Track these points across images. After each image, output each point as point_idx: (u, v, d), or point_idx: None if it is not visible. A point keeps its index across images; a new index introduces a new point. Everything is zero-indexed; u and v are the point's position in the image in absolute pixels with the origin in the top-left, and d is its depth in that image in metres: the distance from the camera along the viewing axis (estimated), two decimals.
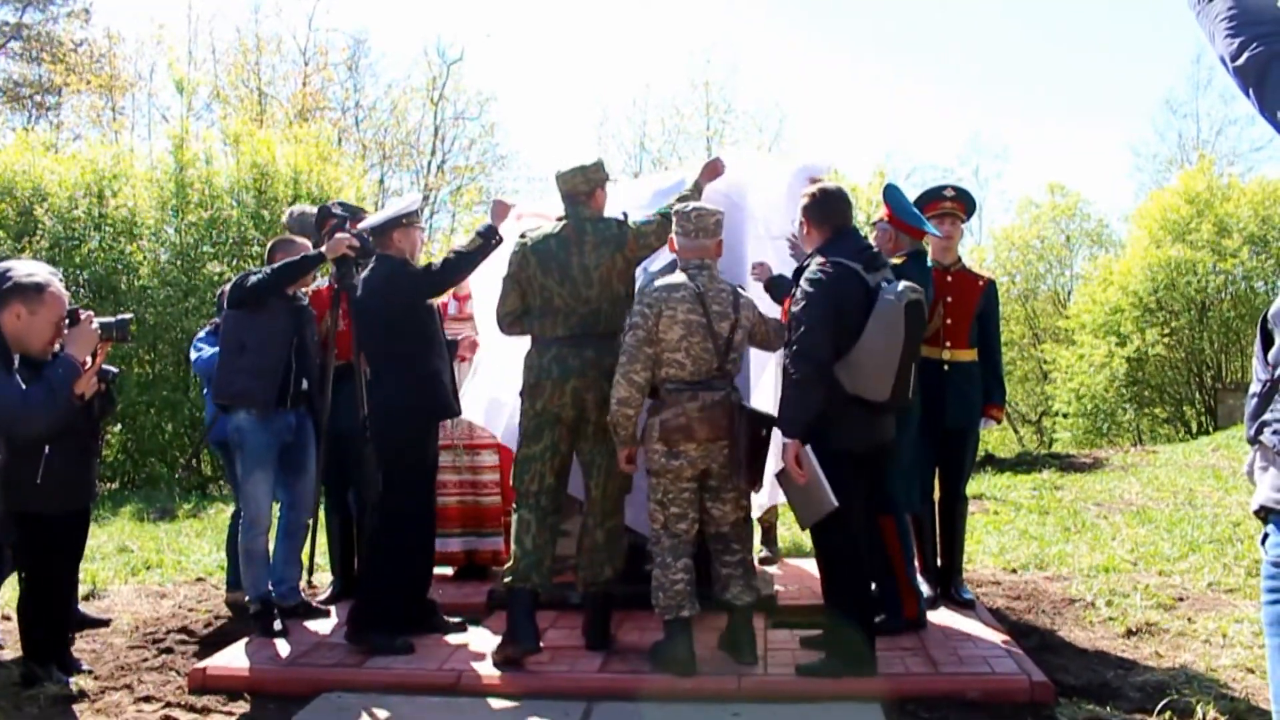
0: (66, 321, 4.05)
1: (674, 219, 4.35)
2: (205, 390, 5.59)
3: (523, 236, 4.56)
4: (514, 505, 4.55)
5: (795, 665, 4.22)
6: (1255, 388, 1.93)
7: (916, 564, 4.95)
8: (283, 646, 4.68)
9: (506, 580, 4.39)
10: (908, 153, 41.18)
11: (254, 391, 4.85)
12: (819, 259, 4.07)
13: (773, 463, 4.43)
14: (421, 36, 53.24)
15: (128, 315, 4.63)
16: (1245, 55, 1.90)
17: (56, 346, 4.04)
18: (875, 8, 44.60)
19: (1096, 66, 45.88)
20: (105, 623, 5.45)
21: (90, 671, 4.49)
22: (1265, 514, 1.93)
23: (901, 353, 3.95)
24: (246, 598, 5.01)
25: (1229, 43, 1.93)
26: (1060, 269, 27.98)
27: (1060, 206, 27.46)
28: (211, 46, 26.35)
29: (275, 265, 4.99)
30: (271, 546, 5.20)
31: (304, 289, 5.25)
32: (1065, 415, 20.96)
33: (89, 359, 4.04)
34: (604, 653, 4.46)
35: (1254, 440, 1.93)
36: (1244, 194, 19.69)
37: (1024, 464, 12.45)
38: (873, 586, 4.42)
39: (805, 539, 7.56)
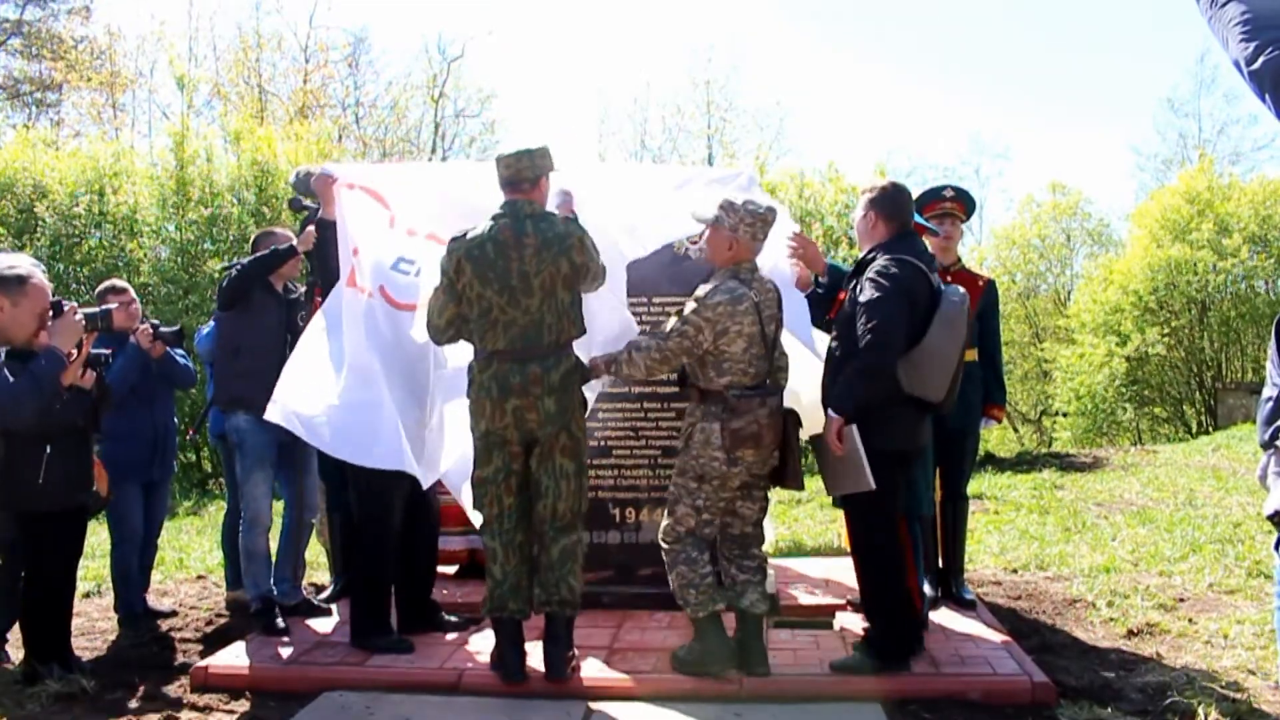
0: (51, 313, 4.05)
1: (744, 222, 4.07)
2: (208, 369, 5.54)
3: (454, 240, 4.14)
4: (480, 530, 4.37)
5: (829, 663, 4.23)
6: (1270, 392, 1.93)
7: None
8: (284, 645, 4.68)
9: (486, 613, 4.23)
10: (908, 151, 41.27)
11: (252, 394, 4.81)
12: (887, 255, 4.07)
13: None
14: (422, 33, 53.25)
15: (111, 305, 4.65)
16: (1261, 60, 1.90)
17: (43, 338, 4.05)
18: (877, 6, 44.61)
19: (1098, 66, 45.96)
20: (173, 613, 5.55)
21: (92, 670, 4.49)
22: (1279, 519, 1.93)
23: (959, 355, 4.10)
24: (248, 596, 5.01)
25: (1244, 47, 1.92)
26: (1061, 268, 28.03)
27: (1061, 205, 27.48)
28: (212, 43, 26.54)
29: (247, 260, 5.00)
30: (274, 545, 5.21)
31: (291, 279, 5.23)
32: (1065, 414, 20.98)
33: (74, 350, 4.04)
34: (605, 651, 4.45)
35: (1268, 445, 1.93)
36: (1244, 193, 19.72)
37: (1024, 463, 12.45)
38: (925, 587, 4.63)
39: (805, 538, 7.57)
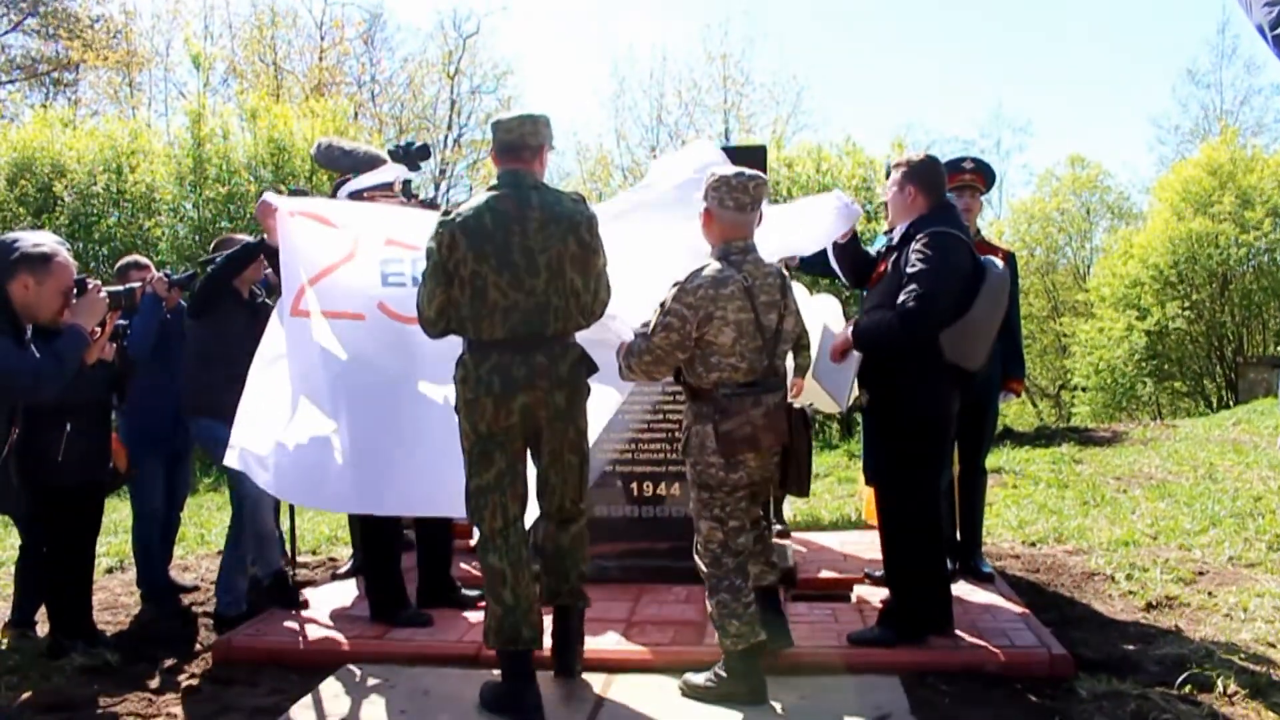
0: (75, 291, 4.07)
1: (713, 189, 3.69)
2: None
3: (447, 214, 3.65)
4: (476, 547, 3.86)
5: (847, 635, 4.24)
6: None
7: None
8: (305, 619, 4.72)
9: (492, 644, 3.70)
10: (927, 125, 40.96)
11: (224, 403, 4.69)
12: (933, 228, 4.03)
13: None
14: (438, 9, 53.11)
15: (135, 284, 4.66)
16: None
17: (66, 316, 4.08)
18: None
19: (1119, 37, 45.37)
20: (195, 588, 5.65)
21: (115, 644, 4.54)
22: None
23: (998, 326, 4.17)
24: (260, 575, 5.04)
25: (1267, 11, 1.90)
26: (1080, 242, 27.85)
27: (1081, 179, 27.30)
28: (228, 21, 26.49)
29: (216, 261, 4.91)
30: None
31: (255, 282, 5.15)
32: (1084, 389, 20.89)
33: (97, 328, 4.07)
34: (624, 624, 4.47)
35: None
36: (1267, 165, 19.51)
37: (1043, 438, 12.40)
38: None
39: (823, 512, 7.57)
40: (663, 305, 3.64)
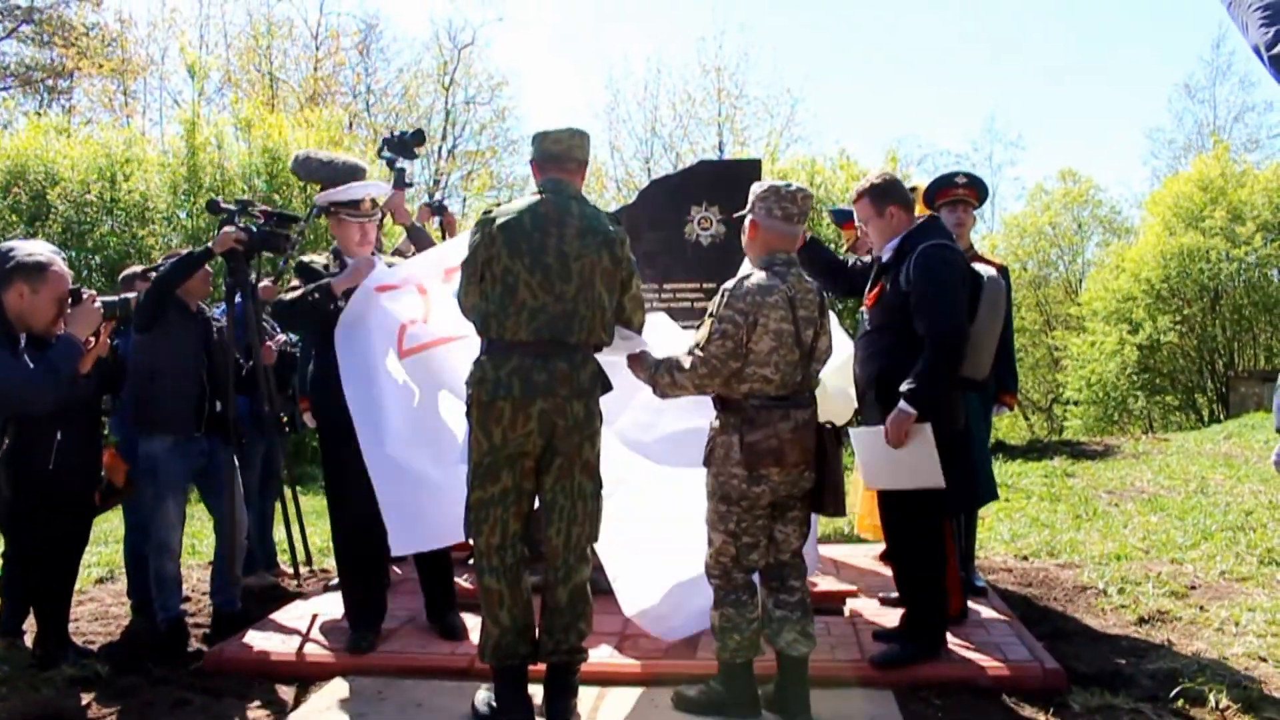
0: (70, 300, 4.07)
1: (761, 199, 3.68)
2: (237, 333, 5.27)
3: (488, 212, 3.67)
4: (472, 562, 3.78)
5: (869, 657, 4.17)
6: None
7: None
8: (297, 630, 4.70)
9: (488, 661, 3.66)
10: (920, 139, 41.00)
11: (171, 418, 4.73)
12: (928, 242, 4.01)
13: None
14: (433, 20, 53.23)
15: (131, 294, 4.65)
16: None
17: (61, 325, 4.07)
18: None
19: (1114, 52, 45.64)
20: (186, 599, 5.45)
21: (104, 655, 4.51)
22: None
23: (999, 335, 4.18)
24: (158, 619, 4.84)
25: (1264, 32, 1.91)
26: (1072, 256, 27.91)
27: (1072, 193, 27.39)
28: (223, 30, 26.56)
29: (160, 270, 4.83)
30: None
31: (204, 297, 5.07)
32: (1076, 403, 20.90)
33: (92, 338, 4.06)
34: (616, 637, 4.46)
35: None
36: (1258, 180, 19.58)
37: (1035, 451, 12.44)
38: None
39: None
40: (713, 314, 3.60)
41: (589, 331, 3.60)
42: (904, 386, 3.90)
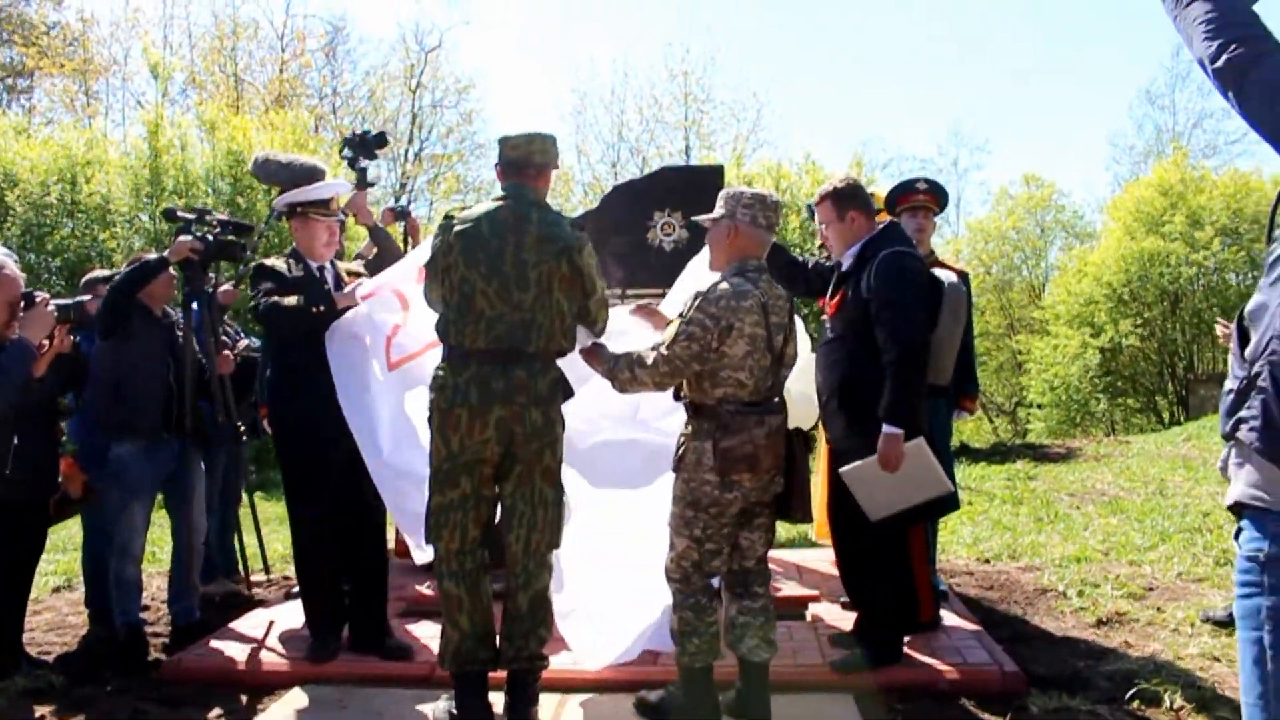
0: (23, 304, 4.02)
1: (746, 206, 3.64)
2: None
3: (449, 216, 3.68)
4: (434, 568, 3.78)
5: (829, 662, 4.19)
6: (1231, 384, 1.95)
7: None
8: (256, 638, 4.66)
9: (448, 667, 3.68)
10: (885, 143, 41.41)
11: (137, 422, 4.70)
12: (889, 249, 4.01)
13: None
14: (400, 23, 53.00)
15: (84, 297, 4.60)
16: (1224, 57, 1.91)
17: (14, 329, 4.02)
18: None
19: (1078, 58, 46.19)
20: (145, 607, 5.39)
21: (60, 665, 4.46)
22: (1240, 510, 1.96)
23: (960, 339, 4.19)
24: (117, 623, 4.78)
25: (1207, 45, 1.93)
26: (1035, 260, 28.23)
27: (1036, 198, 27.72)
28: (188, 31, 26.32)
29: (117, 277, 4.77)
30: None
31: (168, 300, 5.02)
32: (1040, 406, 21.14)
33: (45, 341, 4.01)
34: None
35: (1230, 436, 1.95)
36: (1217, 186, 19.93)
37: (998, 454, 12.55)
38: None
39: (779, 529, 7.60)
40: (683, 316, 3.58)
41: (548, 339, 3.61)
42: (881, 410, 3.89)
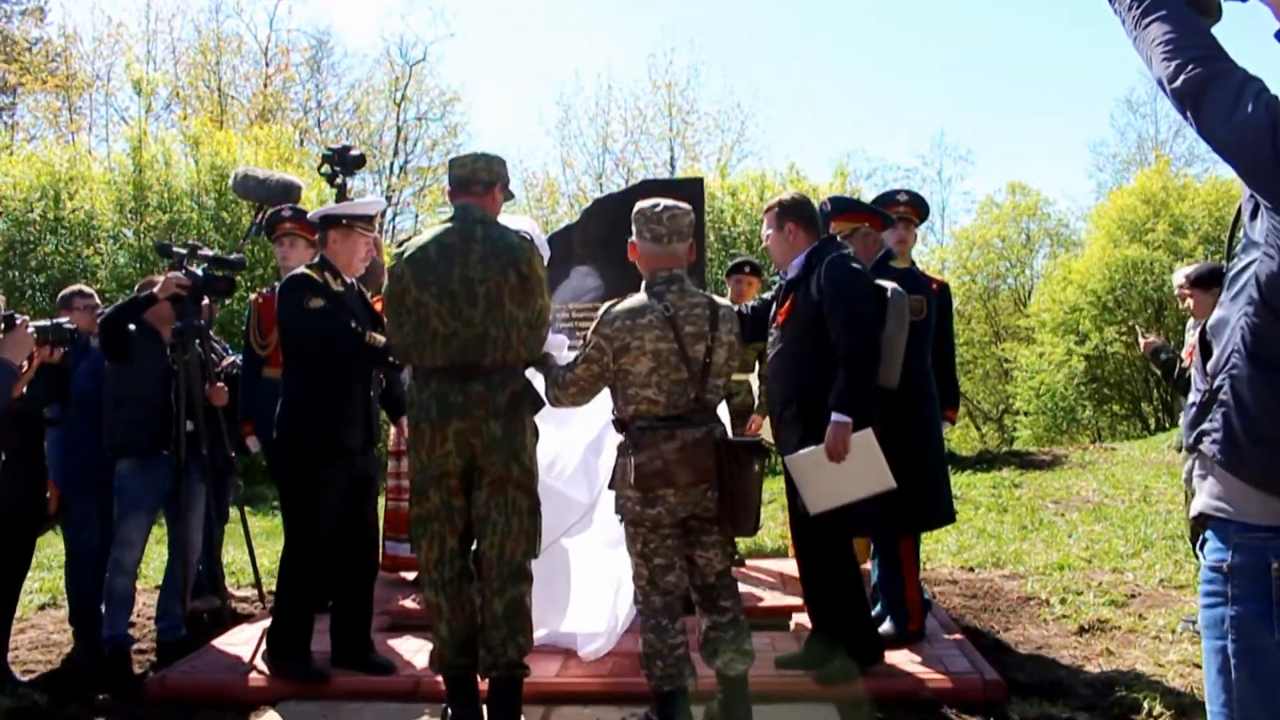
0: (2, 326, 4.02)
1: (634, 220, 3.68)
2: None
3: (401, 245, 3.81)
4: (419, 581, 3.91)
5: (814, 674, 4.17)
6: (1194, 397, 1.99)
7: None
8: (241, 655, 4.65)
9: (436, 672, 3.84)
10: (869, 153, 41.54)
11: (134, 440, 4.79)
12: (833, 254, 4.10)
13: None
14: (384, 36, 52.99)
15: (65, 319, 4.61)
16: (1182, 78, 1.94)
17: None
18: (838, 8, 44.89)
19: (1061, 66, 46.43)
20: (129, 624, 5.26)
21: (44, 684, 4.45)
22: (1203, 521, 1.99)
23: (905, 342, 4.20)
24: (103, 636, 4.80)
25: (1165, 66, 1.97)
26: (1020, 268, 28.36)
27: (1021, 206, 27.84)
28: (171, 46, 26.21)
29: (106, 313, 4.86)
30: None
31: (171, 325, 4.99)
32: (1026, 413, 21.23)
33: (25, 363, 4.02)
34: (562, 654, 4.46)
35: (1193, 448, 1.99)
36: (1199, 194, 20.08)
37: (984, 462, 12.60)
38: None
39: (765, 540, 7.62)
40: (584, 337, 3.68)
41: (503, 351, 3.68)
42: (832, 399, 3.95)
